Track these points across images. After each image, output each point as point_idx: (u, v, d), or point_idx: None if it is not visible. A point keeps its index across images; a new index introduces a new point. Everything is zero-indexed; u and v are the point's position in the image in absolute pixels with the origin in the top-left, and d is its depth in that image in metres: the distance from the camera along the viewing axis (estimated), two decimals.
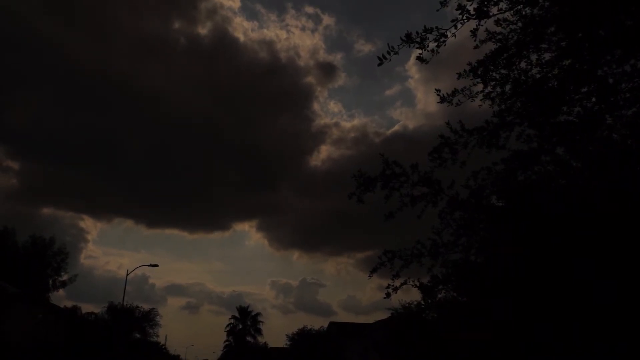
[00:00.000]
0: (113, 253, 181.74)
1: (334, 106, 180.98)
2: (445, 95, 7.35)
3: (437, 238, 8.29)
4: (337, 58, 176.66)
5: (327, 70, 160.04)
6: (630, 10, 7.01)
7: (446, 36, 7.21)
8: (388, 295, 8.45)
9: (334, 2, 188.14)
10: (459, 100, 7.45)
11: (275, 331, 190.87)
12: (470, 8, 7.09)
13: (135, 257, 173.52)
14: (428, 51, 7.27)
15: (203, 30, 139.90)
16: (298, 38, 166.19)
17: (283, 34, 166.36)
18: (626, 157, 8.52)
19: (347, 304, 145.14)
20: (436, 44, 7.25)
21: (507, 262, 11.88)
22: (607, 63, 7.16)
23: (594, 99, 7.42)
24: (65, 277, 53.85)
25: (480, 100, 7.51)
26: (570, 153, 8.78)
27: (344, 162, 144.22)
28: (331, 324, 67.67)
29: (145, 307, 63.64)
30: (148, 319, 59.00)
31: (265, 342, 77.83)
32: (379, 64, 7.14)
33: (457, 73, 7.82)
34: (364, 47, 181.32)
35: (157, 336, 61.25)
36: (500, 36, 7.92)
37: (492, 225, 9.45)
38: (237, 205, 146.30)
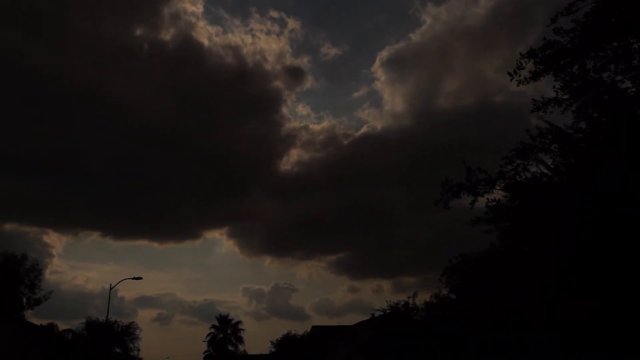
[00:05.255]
0: (80, 267, 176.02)
1: (302, 109, 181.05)
2: (540, 104, 7.67)
3: None
4: (303, 62, 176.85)
5: (295, 74, 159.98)
6: None
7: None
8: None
9: (298, 6, 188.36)
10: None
11: (249, 338, 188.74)
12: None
13: (104, 270, 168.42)
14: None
15: (166, 36, 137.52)
16: (264, 42, 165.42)
17: (248, 39, 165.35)
18: None
19: (320, 307, 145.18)
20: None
21: None
22: None
23: None
24: (39, 295, 51.91)
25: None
26: None
27: (313, 164, 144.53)
28: (314, 327, 67.60)
29: (124, 321, 62.22)
30: (128, 333, 57.59)
31: (244, 350, 77.19)
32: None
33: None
34: (330, 51, 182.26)
35: (138, 350, 59.87)
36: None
37: None
38: (208, 213, 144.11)
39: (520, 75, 7.48)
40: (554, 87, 8.65)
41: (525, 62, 7.41)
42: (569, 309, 16.27)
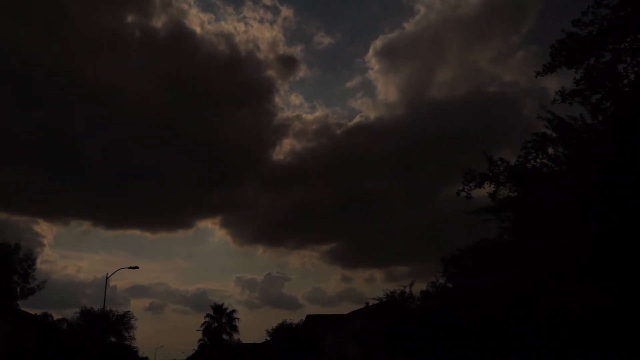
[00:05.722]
0: (71, 257, 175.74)
1: (295, 99, 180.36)
2: (566, 95, 7.72)
3: None
4: (296, 50, 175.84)
5: (288, 63, 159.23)
6: None
7: None
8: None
9: None
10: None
11: (241, 327, 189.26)
12: None
13: (95, 260, 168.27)
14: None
15: (158, 23, 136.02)
16: (257, 30, 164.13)
17: (241, 27, 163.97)
18: None
19: (313, 296, 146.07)
20: None
21: None
22: None
23: None
24: (33, 284, 51.53)
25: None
26: None
27: (306, 154, 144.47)
28: (308, 317, 67.92)
29: (119, 310, 62.26)
30: (123, 322, 57.55)
31: (238, 339, 77.49)
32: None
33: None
34: (324, 39, 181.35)
35: (134, 339, 59.89)
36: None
37: None
38: (200, 202, 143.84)
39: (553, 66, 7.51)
40: (574, 78, 8.81)
41: (558, 53, 7.44)
42: (570, 302, 16.38)
